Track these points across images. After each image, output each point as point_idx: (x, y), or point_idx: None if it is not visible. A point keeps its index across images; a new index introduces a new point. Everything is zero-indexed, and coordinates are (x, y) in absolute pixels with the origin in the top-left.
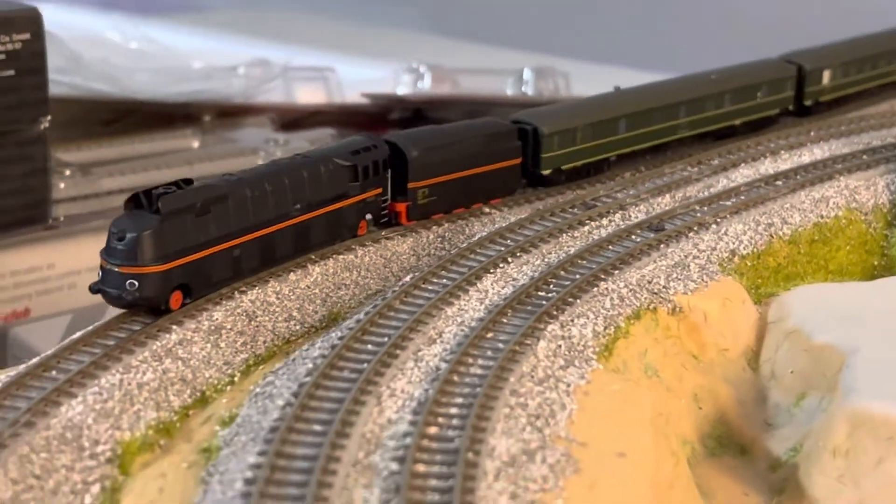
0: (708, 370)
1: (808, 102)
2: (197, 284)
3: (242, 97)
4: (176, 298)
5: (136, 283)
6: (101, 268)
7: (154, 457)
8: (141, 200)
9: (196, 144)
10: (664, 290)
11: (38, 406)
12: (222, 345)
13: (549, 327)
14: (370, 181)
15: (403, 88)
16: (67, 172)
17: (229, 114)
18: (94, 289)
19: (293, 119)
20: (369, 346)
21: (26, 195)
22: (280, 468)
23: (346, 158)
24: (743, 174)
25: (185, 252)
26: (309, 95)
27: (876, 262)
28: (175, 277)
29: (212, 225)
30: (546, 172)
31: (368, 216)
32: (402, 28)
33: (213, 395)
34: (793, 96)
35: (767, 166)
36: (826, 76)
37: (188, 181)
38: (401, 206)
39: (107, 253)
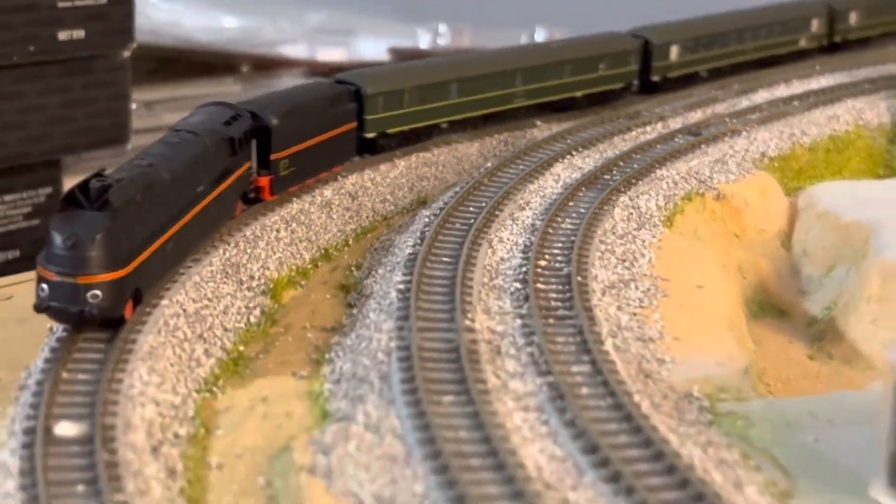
0: (749, 247)
1: (655, 78)
2: (145, 287)
3: (273, 50)
4: (129, 306)
5: (99, 293)
6: (47, 281)
7: (298, 293)
8: (76, 198)
9: (238, 89)
10: (709, 179)
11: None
12: (334, 216)
13: (620, 199)
14: (243, 154)
15: (425, 43)
16: (133, 106)
17: (263, 66)
18: (41, 307)
19: (320, 72)
20: (471, 209)
21: (111, 117)
22: (425, 283)
23: (222, 131)
24: (762, 96)
25: (135, 252)
26: (331, 53)
27: (881, 172)
28: (132, 281)
29: (147, 218)
30: (370, 135)
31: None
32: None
33: (334, 252)
34: (637, 71)
35: (783, 90)
36: (674, 52)
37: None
38: (264, 181)
39: (51, 262)
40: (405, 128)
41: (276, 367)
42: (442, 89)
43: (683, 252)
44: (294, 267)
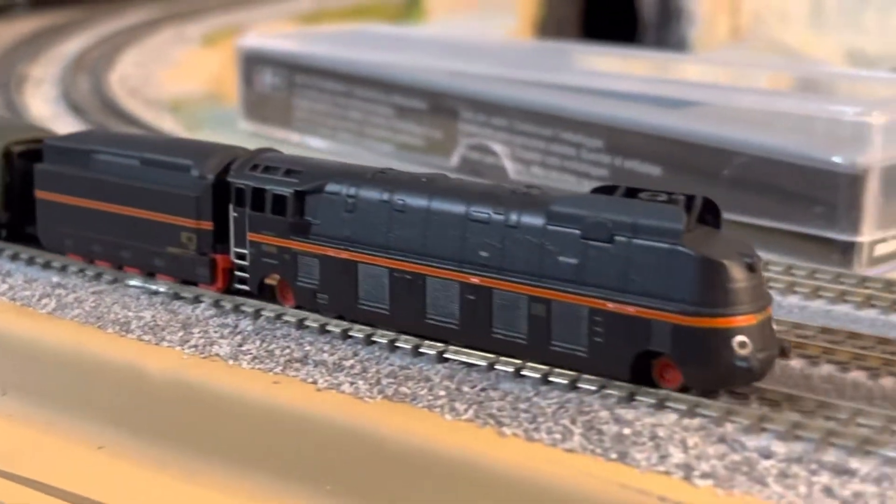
0: None
1: None
2: None
3: None
4: None
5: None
6: (742, 329)
7: None
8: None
9: None
10: (245, 25)
11: None
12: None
13: (167, 32)
14: None
15: None
16: None
17: None
18: (755, 369)
19: None
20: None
21: None
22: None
23: None
24: None
25: None
26: None
27: None
28: None
29: None
30: None
31: None
32: None
33: None
34: None
35: None
36: None
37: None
38: None
39: (733, 301)
40: None
41: None
42: None
43: (205, 57)
44: None
